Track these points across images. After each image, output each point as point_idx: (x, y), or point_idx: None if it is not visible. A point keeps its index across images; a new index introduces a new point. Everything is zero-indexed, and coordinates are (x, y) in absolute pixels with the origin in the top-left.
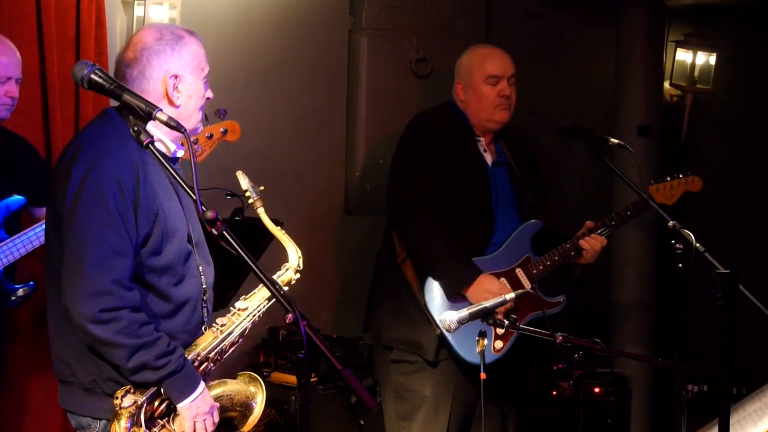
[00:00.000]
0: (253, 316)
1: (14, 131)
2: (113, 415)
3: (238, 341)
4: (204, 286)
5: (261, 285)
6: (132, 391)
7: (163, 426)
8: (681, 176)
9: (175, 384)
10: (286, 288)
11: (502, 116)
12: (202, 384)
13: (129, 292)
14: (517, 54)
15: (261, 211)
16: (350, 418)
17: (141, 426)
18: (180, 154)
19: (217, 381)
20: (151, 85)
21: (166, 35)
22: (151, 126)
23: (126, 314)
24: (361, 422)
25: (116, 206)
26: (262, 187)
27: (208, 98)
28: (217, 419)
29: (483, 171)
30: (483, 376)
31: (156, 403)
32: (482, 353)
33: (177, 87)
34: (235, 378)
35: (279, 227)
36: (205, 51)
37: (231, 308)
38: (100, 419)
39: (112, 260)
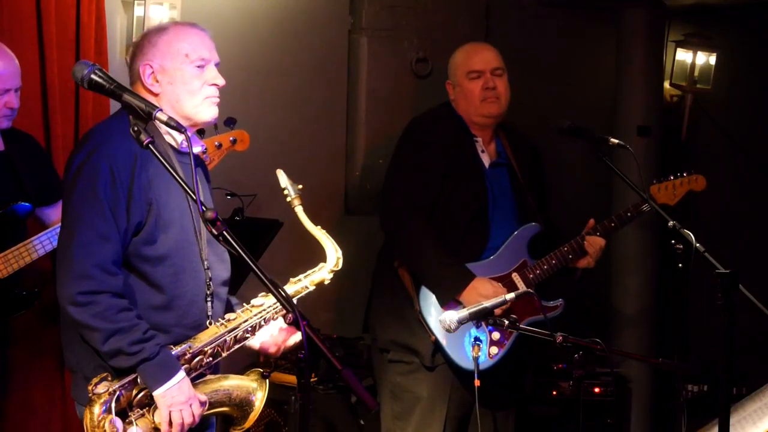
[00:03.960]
0: (266, 313)
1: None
2: (88, 401)
3: (246, 337)
4: (209, 281)
5: (287, 283)
6: (109, 378)
7: (143, 415)
8: (684, 175)
9: (148, 371)
10: (312, 288)
11: (490, 109)
12: (181, 374)
13: (110, 277)
14: (517, 54)
15: (299, 210)
16: (350, 418)
17: (111, 413)
18: (195, 150)
19: (217, 376)
20: (134, 77)
21: (152, 30)
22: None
23: (104, 299)
24: (361, 422)
25: (105, 193)
26: (300, 186)
27: (215, 84)
28: (197, 411)
29: (479, 174)
30: (477, 383)
31: (134, 392)
32: (476, 360)
33: (154, 75)
34: (244, 374)
35: (319, 227)
36: (206, 41)
37: (243, 304)
38: None
39: (96, 245)
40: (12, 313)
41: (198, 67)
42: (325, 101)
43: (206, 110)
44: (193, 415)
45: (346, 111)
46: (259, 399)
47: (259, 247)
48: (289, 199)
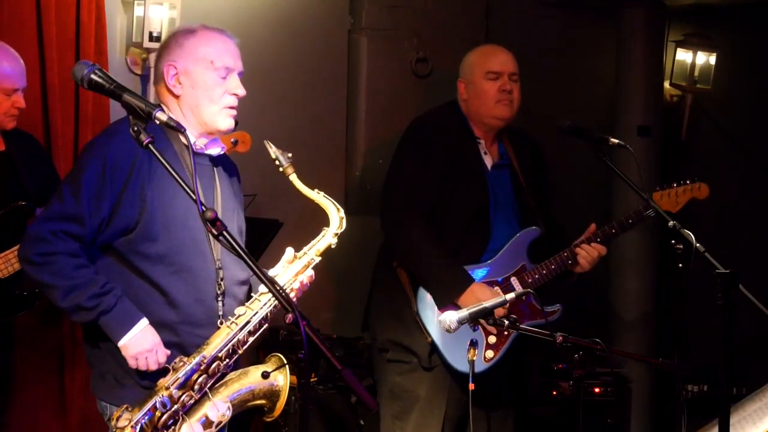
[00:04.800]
0: (274, 300)
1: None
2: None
3: (259, 329)
4: (220, 281)
5: (284, 263)
6: (129, 409)
7: None
8: (687, 182)
9: (108, 323)
10: (318, 259)
11: (503, 111)
12: (143, 322)
13: (63, 242)
14: (517, 54)
15: (293, 178)
16: (350, 418)
17: None
18: (215, 151)
19: (237, 373)
20: (157, 75)
21: (179, 30)
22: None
23: (59, 258)
24: (361, 422)
25: (88, 181)
26: (290, 154)
27: (235, 94)
28: (162, 359)
29: (481, 176)
30: (471, 386)
31: (157, 416)
32: (472, 363)
33: (177, 77)
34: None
35: (316, 190)
36: (232, 49)
37: (252, 294)
38: (110, 404)
39: (60, 220)
40: (13, 313)
41: (221, 75)
42: (325, 101)
43: (223, 120)
44: (158, 362)
45: (346, 111)
46: (282, 385)
47: (259, 247)
48: (281, 169)
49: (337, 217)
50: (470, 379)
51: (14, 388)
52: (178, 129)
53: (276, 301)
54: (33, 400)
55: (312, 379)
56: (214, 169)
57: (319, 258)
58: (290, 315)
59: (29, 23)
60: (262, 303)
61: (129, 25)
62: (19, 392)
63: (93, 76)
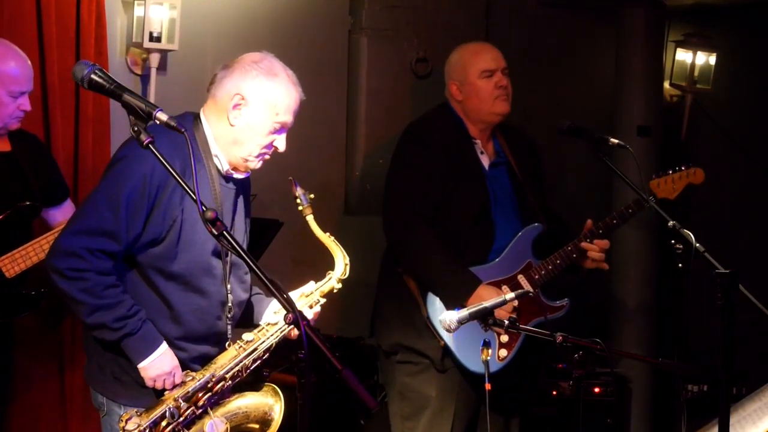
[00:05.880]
0: (282, 331)
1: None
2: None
3: (263, 356)
4: (229, 304)
5: (300, 294)
6: (138, 413)
7: None
8: (683, 168)
9: (131, 345)
10: (324, 300)
11: (503, 107)
12: (163, 346)
13: (98, 260)
14: (517, 53)
15: (310, 219)
16: (350, 418)
17: None
18: (240, 175)
19: (236, 395)
20: (221, 93)
21: (263, 64)
22: (213, 143)
23: (92, 276)
24: (361, 422)
25: (128, 197)
26: (312, 195)
27: (276, 147)
28: (179, 381)
29: (480, 176)
30: (488, 386)
31: (163, 423)
32: (486, 363)
33: (239, 107)
34: (258, 389)
35: (328, 234)
36: (297, 107)
37: (259, 323)
38: (108, 398)
39: (96, 236)
40: (19, 312)
41: (276, 127)
42: (325, 101)
43: (255, 164)
44: (174, 383)
45: (346, 111)
46: (277, 415)
47: (259, 247)
48: (300, 208)
49: (342, 263)
50: (486, 379)
51: (15, 388)
52: (178, 129)
53: (280, 335)
54: (33, 401)
55: (312, 379)
56: (237, 199)
57: (324, 300)
58: (290, 315)
59: (29, 23)
60: (270, 333)
61: (129, 25)
62: (19, 393)
63: (93, 76)
